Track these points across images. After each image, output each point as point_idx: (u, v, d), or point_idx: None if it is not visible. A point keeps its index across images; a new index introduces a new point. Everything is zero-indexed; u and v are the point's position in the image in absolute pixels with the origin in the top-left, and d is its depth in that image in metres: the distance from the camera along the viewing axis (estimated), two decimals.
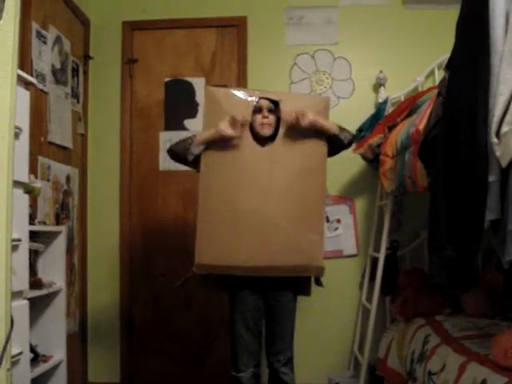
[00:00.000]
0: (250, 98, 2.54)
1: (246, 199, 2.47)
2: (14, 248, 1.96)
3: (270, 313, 2.63)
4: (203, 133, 2.52)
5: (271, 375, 2.66)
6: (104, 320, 3.82)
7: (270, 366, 2.65)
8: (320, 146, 2.55)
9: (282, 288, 2.59)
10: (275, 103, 2.57)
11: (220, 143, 2.47)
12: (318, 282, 2.64)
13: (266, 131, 2.56)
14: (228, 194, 2.48)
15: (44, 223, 3.01)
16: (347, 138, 2.60)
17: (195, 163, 2.54)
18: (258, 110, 2.55)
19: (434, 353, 2.52)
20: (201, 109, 3.81)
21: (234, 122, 2.42)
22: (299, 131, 2.48)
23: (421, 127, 2.50)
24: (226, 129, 2.42)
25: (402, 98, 3.58)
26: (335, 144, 2.59)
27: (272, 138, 2.55)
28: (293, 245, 2.47)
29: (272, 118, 2.56)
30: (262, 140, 2.55)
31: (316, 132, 2.51)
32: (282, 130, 2.52)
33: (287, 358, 2.61)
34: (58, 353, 2.82)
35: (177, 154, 2.58)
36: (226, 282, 2.59)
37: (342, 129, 2.59)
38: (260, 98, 2.55)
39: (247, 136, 2.51)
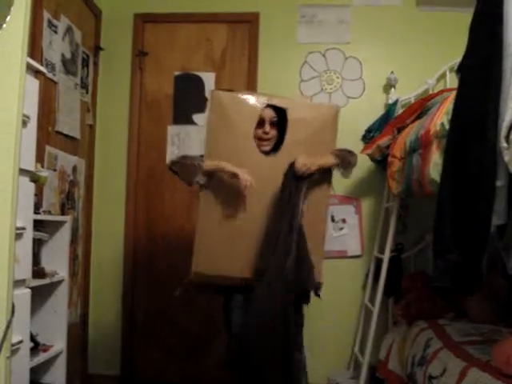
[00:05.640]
0: (257, 106, 2.45)
1: (246, 211, 2.41)
2: (18, 236, 1.96)
3: None
4: (209, 164, 2.39)
5: None
6: (105, 312, 3.83)
7: None
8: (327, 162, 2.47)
9: None
10: (282, 111, 2.46)
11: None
12: (317, 293, 2.54)
13: (265, 148, 2.49)
14: (229, 206, 2.42)
15: (49, 213, 3.01)
16: (351, 165, 2.56)
17: None
18: (260, 122, 2.46)
19: (435, 357, 2.50)
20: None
21: (236, 177, 2.33)
22: (303, 146, 2.42)
23: (430, 129, 2.48)
24: (229, 173, 2.35)
25: (413, 100, 3.57)
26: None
27: (276, 146, 2.49)
28: None
29: (272, 134, 2.49)
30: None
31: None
32: (287, 141, 2.44)
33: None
34: (58, 343, 2.82)
35: (178, 176, 2.46)
36: (222, 288, 2.52)
37: (341, 156, 2.50)
38: (266, 107, 2.46)
39: (252, 145, 2.44)
